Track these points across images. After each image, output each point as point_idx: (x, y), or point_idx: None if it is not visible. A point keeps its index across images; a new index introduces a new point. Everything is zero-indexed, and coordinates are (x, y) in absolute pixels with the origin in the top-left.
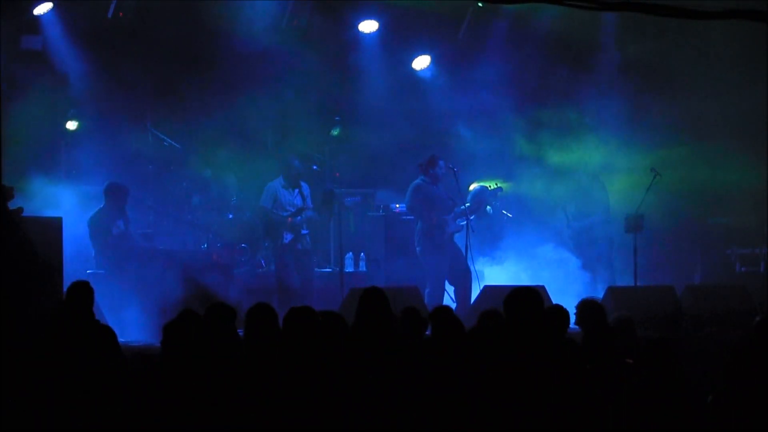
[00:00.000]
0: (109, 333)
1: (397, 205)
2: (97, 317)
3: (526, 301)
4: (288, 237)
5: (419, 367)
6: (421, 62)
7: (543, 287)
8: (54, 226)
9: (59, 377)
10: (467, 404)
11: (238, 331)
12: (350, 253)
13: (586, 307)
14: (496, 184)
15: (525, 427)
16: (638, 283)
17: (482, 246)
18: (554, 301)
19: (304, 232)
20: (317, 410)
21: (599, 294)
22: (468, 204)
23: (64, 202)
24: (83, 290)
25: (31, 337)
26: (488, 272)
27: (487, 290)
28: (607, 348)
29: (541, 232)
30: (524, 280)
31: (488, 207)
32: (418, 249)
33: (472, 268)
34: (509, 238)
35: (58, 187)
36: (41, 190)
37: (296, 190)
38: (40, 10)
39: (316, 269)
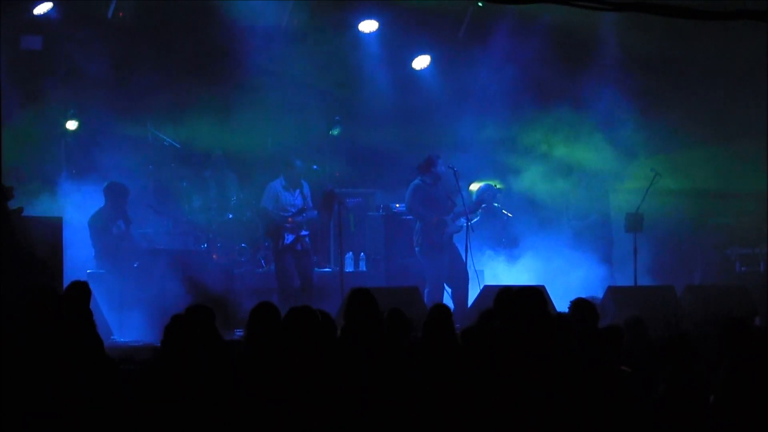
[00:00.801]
0: (96, 339)
1: (397, 205)
2: (96, 317)
3: (527, 301)
4: (289, 238)
5: (407, 367)
6: (421, 62)
7: (543, 287)
8: (54, 226)
9: (53, 377)
10: (460, 406)
11: (237, 331)
12: (350, 253)
13: (577, 307)
14: (495, 185)
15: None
16: (638, 283)
17: (494, 246)
18: (555, 302)
19: (304, 233)
20: (315, 410)
21: (599, 294)
22: (474, 202)
23: (64, 202)
24: (81, 290)
25: (28, 338)
26: (490, 272)
27: (487, 290)
28: (597, 349)
29: (544, 231)
30: (526, 279)
31: (496, 204)
32: (417, 249)
33: (472, 268)
34: (512, 237)
35: (58, 186)
36: (41, 190)
37: (297, 191)
38: (40, 10)
39: (316, 269)
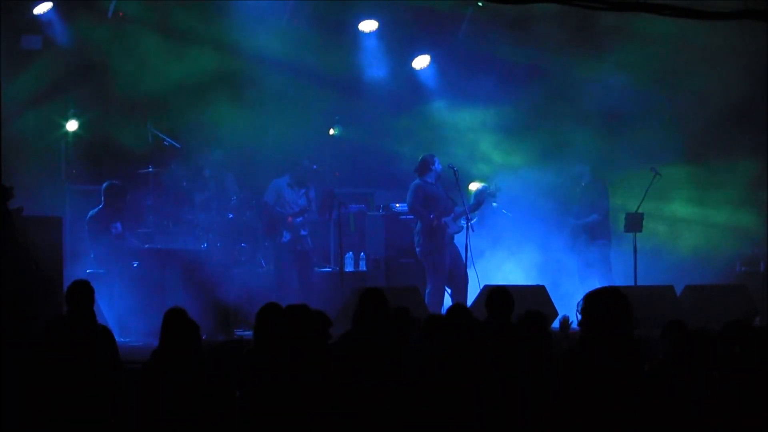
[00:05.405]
0: (107, 334)
1: (397, 205)
2: (97, 316)
3: (608, 301)
4: (287, 236)
5: (418, 367)
6: (421, 62)
7: (543, 287)
8: (54, 226)
9: (58, 378)
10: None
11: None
12: (350, 253)
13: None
14: (494, 184)
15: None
16: (638, 283)
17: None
18: (555, 303)
19: (303, 233)
20: (321, 411)
21: None
22: (472, 202)
23: (64, 202)
24: (83, 289)
25: (30, 338)
26: (486, 272)
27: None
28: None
29: (544, 231)
30: (525, 279)
31: (494, 204)
32: (418, 249)
33: (472, 268)
34: (512, 237)
35: (58, 187)
36: (41, 190)
37: (302, 190)
38: (40, 10)
39: (316, 269)
